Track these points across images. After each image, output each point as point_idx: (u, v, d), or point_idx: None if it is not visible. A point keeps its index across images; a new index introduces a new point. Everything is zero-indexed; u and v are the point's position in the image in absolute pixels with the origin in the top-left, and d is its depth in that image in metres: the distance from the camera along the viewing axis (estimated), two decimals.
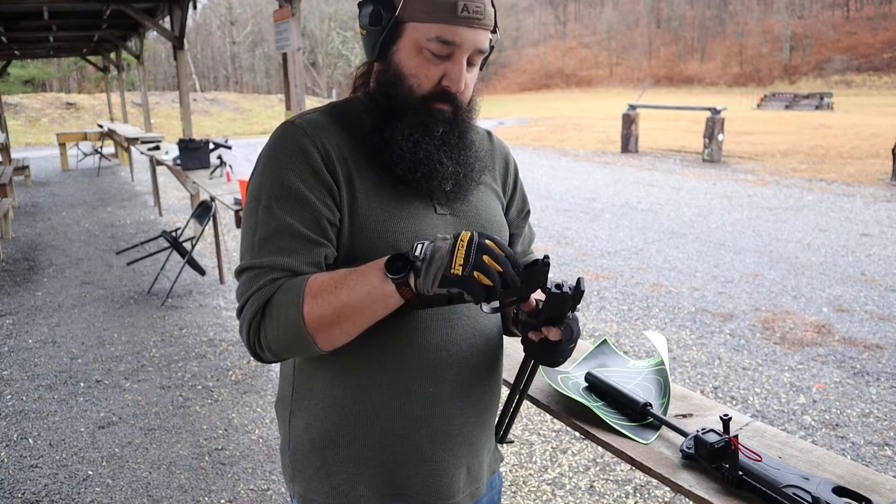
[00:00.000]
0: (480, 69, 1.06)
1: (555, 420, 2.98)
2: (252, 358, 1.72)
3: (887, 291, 4.95)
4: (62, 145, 13.67)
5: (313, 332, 0.91)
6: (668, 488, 2.10)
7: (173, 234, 5.13)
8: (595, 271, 5.66)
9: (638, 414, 1.23)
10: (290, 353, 0.98)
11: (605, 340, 1.50)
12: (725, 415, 1.05)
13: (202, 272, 5.10)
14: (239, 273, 0.98)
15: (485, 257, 0.84)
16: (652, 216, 7.97)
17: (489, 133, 1.21)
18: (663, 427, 1.20)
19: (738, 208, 8.35)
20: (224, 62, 61.91)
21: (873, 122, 21.23)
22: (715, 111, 13.21)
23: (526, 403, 1.29)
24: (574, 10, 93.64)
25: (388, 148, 0.99)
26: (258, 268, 0.96)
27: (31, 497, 2.56)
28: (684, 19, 76.74)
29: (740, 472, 1.00)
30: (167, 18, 8.32)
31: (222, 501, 2.54)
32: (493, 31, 1.02)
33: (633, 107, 15.28)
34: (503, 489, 2.54)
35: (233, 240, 6.66)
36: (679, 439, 1.16)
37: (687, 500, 1.12)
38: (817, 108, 31.23)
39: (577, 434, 2.71)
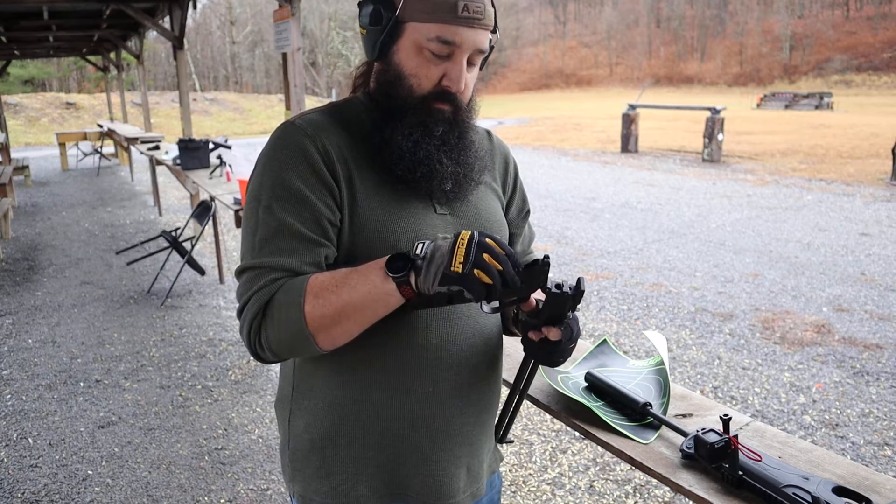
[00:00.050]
0: (480, 69, 1.06)
1: (555, 420, 2.98)
2: (252, 358, 1.72)
3: (887, 291, 4.95)
4: (62, 145, 13.67)
5: (314, 332, 0.91)
6: (667, 488, 2.10)
7: (173, 233, 5.13)
8: (595, 271, 5.66)
9: (638, 414, 1.23)
10: (291, 353, 0.98)
11: (604, 340, 1.50)
12: (725, 415, 1.05)
13: (202, 272, 5.10)
14: (239, 273, 0.98)
15: (485, 255, 0.84)
16: (652, 216, 7.97)
17: (489, 133, 1.21)
18: (663, 427, 1.20)
19: (738, 208, 8.35)
20: (224, 62, 61.90)
21: (873, 122, 21.24)
22: (715, 111, 13.21)
23: (526, 403, 1.29)
24: (574, 10, 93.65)
25: (388, 148, 1.00)
26: (259, 268, 0.96)
27: (30, 497, 2.56)
28: (684, 19, 76.75)
29: (740, 472, 1.01)
30: (167, 18, 8.32)
31: (222, 501, 2.54)
32: (493, 31, 1.02)
33: (632, 106, 15.28)
34: (503, 489, 2.54)
35: (232, 239, 6.66)
36: (679, 439, 1.16)
37: (687, 499, 1.12)
38: (817, 107, 31.23)
39: (577, 434, 2.71)
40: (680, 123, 21.87)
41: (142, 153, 7.91)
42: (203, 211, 5.07)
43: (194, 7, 8.32)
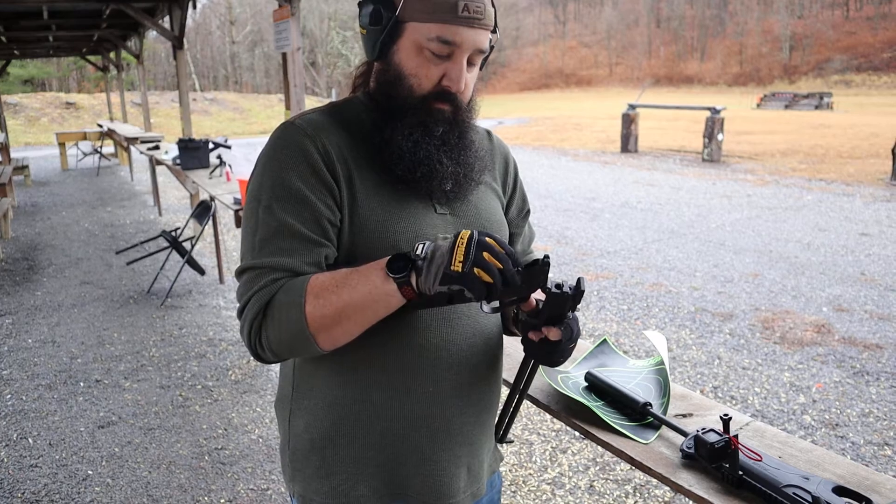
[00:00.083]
0: (480, 69, 1.06)
1: (555, 420, 2.98)
2: (252, 358, 1.72)
3: (887, 291, 4.96)
4: (62, 145, 13.67)
5: (315, 332, 0.91)
6: (667, 488, 2.10)
7: (173, 233, 5.13)
8: (595, 271, 5.66)
9: (638, 413, 1.23)
10: (292, 354, 0.98)
11: (604, 340, 1.50)
12: (725, 414, 1.05)
13: (202, 272, 5.10)
14: (240, 273, 0.98)
15: (485, 254, 0.84)
16: (652, 216, 7.97)
17: (489, 132, 1.21)
18: (663, 427, 1.20)
19: (738, 208, 8.35)
20: (224, 62, 61.89)
21: (873, 122, 21.24)
22: (714, 111, 13.21)
23: (526, 403, 1.29)
24: (574, 10, 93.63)
25: (388, 148, 1.00)
26: (259, 268, 0.96)
27: (30, 497, 2.56)
28: (684, 19, 76.74)
29: (740, 472, 1.01)
30: (167, 18, 8.32)
31: (222, 501, 2.54)
32: (493, 31, 1.02)
33: (632, 106, 15.27)
34: (503, 489, 2.54)
35: (232, 239, 6.66)
36: (679, 439, 1.16)
37: (687, 499, 1.12)
38: (817, 107, 31.22)
39: (577, 434, 2.71)
40: (680, 123, 21.87)
41: (142, 153, 7.92)
42: (203, 211, 5.07)
43: (194, 7, 8.33)
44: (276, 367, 3.60)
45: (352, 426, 1.05)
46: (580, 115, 29.66)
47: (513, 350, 1.29)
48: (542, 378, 1.37)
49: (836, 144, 15.40)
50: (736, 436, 1.03)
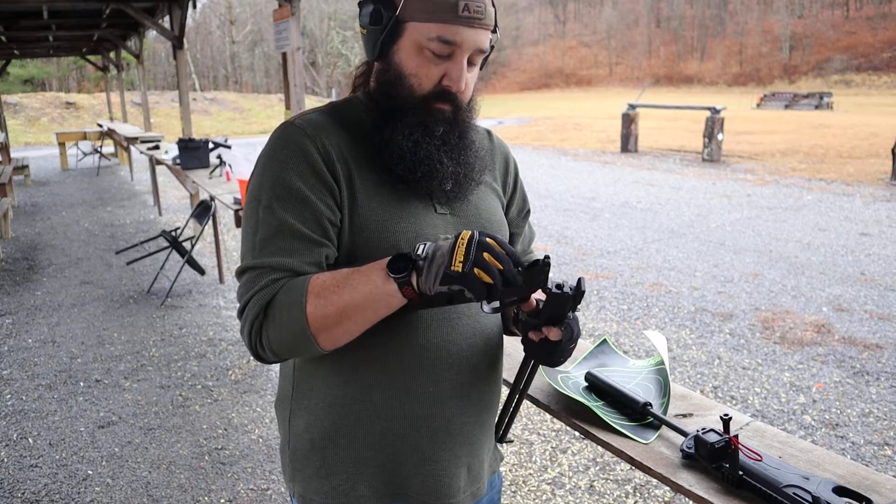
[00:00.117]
0: (480, 69, 1.06)
1: (555, 420, 2.98)
2: (252, 358, 1.72)
3: (887, 291, 4.96)
4: (62, 145, 13.67)
5: (316, 332, 0.91)
6: (668, 488, 2.09)
7: (173, 233, 5.13)
8: (595, 271, 5.66)
9: (638, 413, 1.23)
10: (293, 354, 0.98)
11: (604, 340, 1.50)
12: (725, 414, 1.05)
13: (202, 272, 5.10)
14: (240, 273, 0.98)
15: (485, 254, 0.84)
16: (651, 216, 7.97)
17: (489, 132, 1.21)
18: (663, 427, 1.20)
19: (738, 208, 8.35)
20: (224, 61, 61.88)
21: (873, 122, 21.24)
22: (714, 111, 13.21)
23: (526, 403, 1.29)
24: (574, 10, 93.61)
25: (388, 148, 0.99)
26: (259, 268, 0.96)
27: (30, 497, 2.56)
28: (684, 19, 76.73)
29: (740, 472, 1.01)
30: (167, 18, 8.32)
31: (222, 501, 2.54)
32: (494, 31, 1.02)
33: (632, 106, 15.27)
34: (503, 489, 2.54)
35: (232, 239, 6.66)
36: (679, 439, 1.16)
37: (687, 499, 1.12)
38: (817, 107, 31.22)
39: (577, 434, 2.71)
40: (680, 123, 21.87)
41: (141, 153, 7.92)
42: (203, 211, 5.07)
43: (194, 7, 8.32)
44: (276, 367, 3.60)
45: (352, 426, 1.05)
46: (580, 115, 29.65)
47: (513, 350, 1.29)
48: (542, 378, 1.37)
49: (836, 144, 15.40)
50: (736, 436, 1.03)
